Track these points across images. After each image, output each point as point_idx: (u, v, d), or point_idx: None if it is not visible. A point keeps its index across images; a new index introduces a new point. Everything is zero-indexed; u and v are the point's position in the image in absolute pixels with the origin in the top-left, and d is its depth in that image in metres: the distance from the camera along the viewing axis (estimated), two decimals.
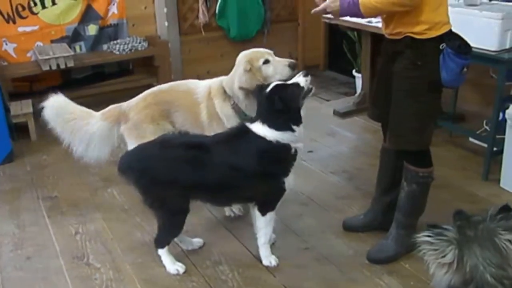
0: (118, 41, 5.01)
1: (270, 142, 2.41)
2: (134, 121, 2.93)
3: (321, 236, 2.93)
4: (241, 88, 2.74)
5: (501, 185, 3.34)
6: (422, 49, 2.29)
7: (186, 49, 5.45)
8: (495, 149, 3.45)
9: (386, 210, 2.82)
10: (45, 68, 4.45)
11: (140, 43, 4.99)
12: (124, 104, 3.03)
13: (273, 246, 2.82)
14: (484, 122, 3.91)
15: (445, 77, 2.31)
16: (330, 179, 3.59)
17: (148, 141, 2.60)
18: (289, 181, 2.54)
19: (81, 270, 2.72)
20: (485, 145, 3.55)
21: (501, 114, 3.44)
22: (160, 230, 2.62)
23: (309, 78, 2.47)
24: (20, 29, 4.67)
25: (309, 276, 2.61)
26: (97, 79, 5.14)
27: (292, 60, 2.79)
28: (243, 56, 2.82)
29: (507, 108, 3.26)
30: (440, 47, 2.29)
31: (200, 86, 2.96)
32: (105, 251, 2.86)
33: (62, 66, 4.49)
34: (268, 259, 2.67)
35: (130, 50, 4.91)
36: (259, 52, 2.80)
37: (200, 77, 5.50)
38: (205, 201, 2.68)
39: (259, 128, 2.43)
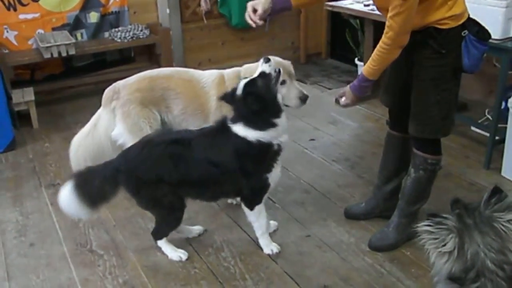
0: (120, 28, 4.99)
1: (250, 142, 2.39)
2: (124, 100, 2.95)
3: (322, 223, 2.94)
4: None
5: (503, 173, 3.35)
6: (446, 38, 2.29)
7: (188, 36, 5.43)
8: (497, 138, 3.45)
9: (388, 198, 2.83)
10: (47, 55, 4.44)
11: (141, 30, 4.97)
12: (120, 83, 3.05)
13: (274, 233, 2.83)
14: (486, 111, 3.91)
15: (467, 63, 2.32)
16: (332, 167, 3.60)
17: (133, 144, 2.62)
18: (273, 175, 2.52)
19: (84, 256, 2.74)
20: (487, 134, 3.55)
21: (503, 103, 3.43)
22: (157, 225, 2.67)
23: (271, 62, 2.45)
24: (21, 16, 4.64)
25: (310, 263, 2.63)
26: (99, 67, 5.13)
27: (306, 94, 2.71)
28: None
29: (510, 97, 3.25)
30: (462, 34, 2.29)
31: (206, 76, 2.95)
32: (108, 238, 2.88)
33: (64, 54, 4.48)
34: (269, 247, 2.69)
35: (132, 37, 4.90)
36: (284, 68, 2.65)
37: (201, 65, 5.59)
38: (194, 197, 2.65)
39: (240, 129, 2.41)
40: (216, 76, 2.93)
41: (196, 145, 2.44)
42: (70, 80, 4.97)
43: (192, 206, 3.12)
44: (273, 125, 2.40)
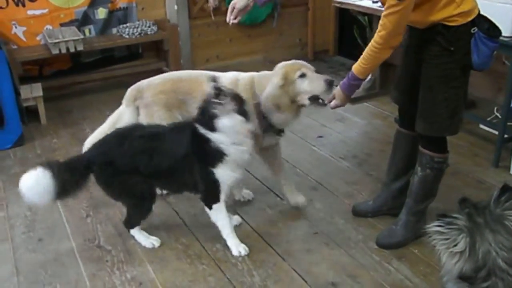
0: (128, 24, 4.99)
1: (204, 138, 2.49)
2: (148, 101, 2.94)
3: (330, 221, 2.94)
4: (266, 99, 2.67)
5: (511, 172, 3.33)
6: (455, 35, 2.27)
7: (196, 33, 5.43)
8: (505, 136, 3.43)
9: (396, 196, 2.83)
10: (55, 51, 4.46)
11: (149, 27, 4.98)
12: (144, 82, 3.03)
13: (281, 230, 2.83)
14: (495, 108, 3.88)
15: (476, 61, 2.30)
16: (339, 164, 3.59)
17: (105, 135, 2.72)
18: (222, 174, 2.55)
19: (92, 252, 2.75)
20: (496, 132, 3.53)
21: None
22: (129, 214, 2.76)
23: (214, 84, 2.53)
24: (30, 12, 4.66)
25: (318, 260, 2.63)
26: (107, 63, 5.14)
27: (329, 77, 2.65)
28: (280, 67, 2.71)
29: None
30: (472, 31, 2.27)
31: (224, 78, 2.86)
32: (116, 234, 2.89)
33: (72, 50, 4.50)
34: (237, 248, 2.67)
35: (140, 34, 4.90)
36: (297, 64, 2.69)
37: (209, 61, 5.59)
38: (162, 188, 2.85)
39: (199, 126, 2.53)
40: (233, 80, 2.85)
41: (166, 138, 2.57)
42: (78, 76, 4.98)
43: (200, 203, 3.13)
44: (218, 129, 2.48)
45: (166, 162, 2.55)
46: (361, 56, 2.37)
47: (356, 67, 2.40)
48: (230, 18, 2.69)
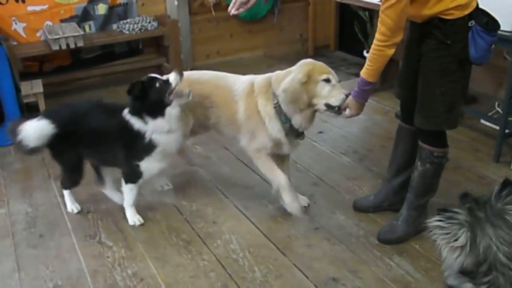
0: (128, 20, 4.98)
1: (131, 128, 2.68)
2: None
3: (331, 216, 2.94)
4: (284, 92, 2.60)
5: None
6: (451, 28, 2.26)
7: (196, 28, 5.42)
8: (507, 131, 3.42)
9: (397, 191, 2.82)
10: (55, 47, 4.45)
11: (149, 22, 4.97)
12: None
13: (282, 225, 2.83)
14: (496, 104, 3.88)
15: (473, 54, 2.28)
16: (340, 160, 3.59)
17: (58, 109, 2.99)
18: (147, 167, 2.75)
19: (93, 248, 2.75)
20: (497, 127, 3.52)
21: None
22: (62, 176, 3.05)
23: (180, 77, 2.66)
24: (30, 8, 4.65)
25: (319, 255, 2.63)
26: (107, 59, 5.13)
27: (349, 92, 2.55)
28: (306, 64, 2.64)
29: None
30: (469, 24, 2.25)
31: (239, 82, 2.81)
32: (116, 230, 2.89)
33: (72, 46, 4.49)
34: (133, 218, 2.92)
35: (140, 29, 4.89)
36: (325, 68, 2.63)
37: (210, 57, 5.59)
38: (91, 159, 3.00)
39: (128, 114, 2.71)
40: (248, 84, 2.78)
41: (98, 117, 2.79)
42: (78, 72, 4.98)
43: (202, 199, 3.14)
44: (142, 118, 2.67)
45: (94, 140, 2.79)
46: (367, 59, 2.35)
47: (363, 71, 2.37)
48: (231, 8, 2.69)
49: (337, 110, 2.59)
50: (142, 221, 2.91)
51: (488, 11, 2.30)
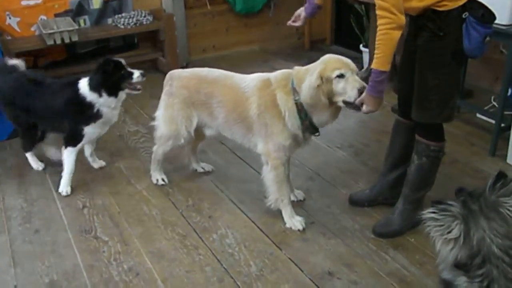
0: (123, 14, 4.96)
1: (80, 94, 3.07)
2: (172, 90, 2.97)
3: (327, 210, 2.94)
4: (305, 98, 2.52)
5: (508, 161, 3.33)
6: (445, 20, 2.24)
7: (192, 23, 5.40)
8: (502, 125, 3.43)
9: (393, 186, 2.83)
10: (49, 42, 4.42)
11: (145, 16, 4.94)
12: (176, 72, 3.06)
13: (277, 219, 2.83)
14: (492, 98, 3.88)
15: (467, 47, 2.26)
16: (336, 154, 3.59)
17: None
18: (90, 131, 3.13)
19: (89, 243, 2.74)
20: (493, 121, 3.52)
21: (509, 90, 3.41)
22: (20, 138, 3.50)
23: (142, 78, 3.11)
24: (24, 2, 4.61)
25: (315, 250, 2.63)
26: (102, 54, 5.08)
27: (365, 85, 2.42)
28: (319, 63, 2.53)
29: None
30: (463, 16, 2.24)
31: (248, 80, 2.74)
32: (112, 225, 2.88)
33: (67, 41, 4.46)
34: (65, 188, 3.18)
35: (135, 24, 4.87)
36: (338, 63, 2.49)
37: (206, 51, 5.57)
38: (39, 124, 3.32)
39: (83, 85, 3.10)
40: (260, 80, 2.70)
41: (50, 89, 3.18)
42: (73, 67, 4.94)
43: (197, 193, 3.14)
44: (99, 93, 3.06)
45: (42, 108, 3.15)
46: (375, 48, 2.26)
47: (375, 62, 2.27)
48: (290, 21, 3.03)
49: (355, 106, 2.45)
50: (69, 192, 3.17)
51: (485, 3, 2.29)
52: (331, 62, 2.50)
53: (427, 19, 2.28)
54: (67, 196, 3.15)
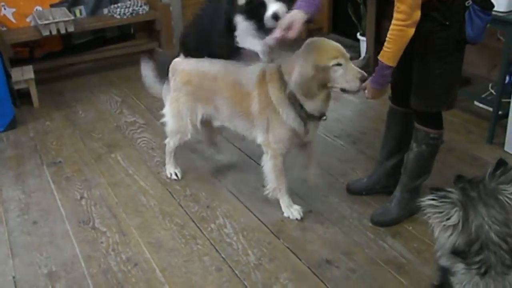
0: (119, 4, 4.92)
1: None
2: (177, 84, 2.94)
3: (324, 199, 2.94)
4: (295, 85, 2.46)
5: (506, 148, 3.33)
6: (450, 9, 2.23)
7: (188, 12, 5.35)
8: (500, 112, 3.42)
9: (390, 174, 2.83)
10: (45, 33, 4.39)
11: (141, 6, 4.91)
12: (179, 63, 3.00)
13: (277, 208, 2.83)
14: (490, 85, 3.87)
15: (470, 34, 2.26)
16: (334, 143, 3.59)
17: None
18: None
19: (87, 234, 2.75)
20: (490, 109, 3.52)
21: (507, 77, 3.40)
22: None
23: None
24: None
25: (313, 238, 2.63)
26: (98, 44, 5.08)
27: (364, 73, 2.41)
28: (310, 51, 2.43)
29: None
30: (466, 4, 2.23)
31: (249, 74, 2.69)
32: (110, 215, 2.88)
33: (62, 31, 4.43)
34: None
35: (131, 14, 4.84)
36: (334, 50, 2.41)
37: None
38: None
39: None
40: (257, 74, 2.65)
41: None
42: (70, 57, 4.92)
43: (195, 183, 3.14)
44: None
45: None
46: (385, 42, 2.23)
47: (382, 54, 2.24)
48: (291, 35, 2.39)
49: (364, 80, 2.40)
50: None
51: None
52: (324, 50, 2.43)
53: (431, 9, 2.26)
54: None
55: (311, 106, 2.53)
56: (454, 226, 1.49)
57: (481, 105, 3.84)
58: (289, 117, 2.57)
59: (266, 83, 2.61)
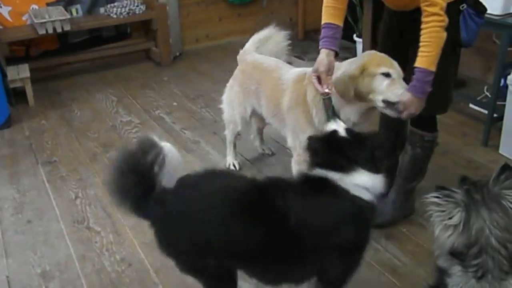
0: (115, 4, 4.91)
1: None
2: (236, 71, 2.99)
3: None
4: (336, 80, 2.35)
5: (500, 151, 3.34)
6: (446, 13, 2.23)
7: (185, 12, 5.36)
8: (495, 115, 3.43)
9: (384, 176, 2.82)
10: (41, 31, 4.38)
11: (137, 6, 4.90)
12: (251, 53, 3.02)
13: None
14: (485, 88, 3.88)
15: (465, 38, 2.28)
16: None
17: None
18: None
19: (81, 233, 2.74)
20: (486, 111, 3.53)
21: (502, 80, 3.41)
22: None
23: None
24: None
25: None
26: (95, 43, 5.07)
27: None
28: (364, 55, 2.41)
29: (509, 74, 3.23)
30: (460, 8, 2.24)
31: (290, 72, 2.66)
32: (105, 215, 2.88)
33: (59, 30, 4.43)
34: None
35: (128, 13, 4.83)
36: (386, 60, 2.31)
37: (199, 41, 5.53)
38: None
39: None
40: (297, 74, 2.61)
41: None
42: (66, 56, 4.91)
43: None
44: None
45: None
46: (422, 47, 2.15)
47: (422, 61, 2.14)
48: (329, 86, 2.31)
49: (395, 107, 2.28)
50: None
51: None
52: (378, 58, 2.34)
53: None
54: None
55: (345, 113, 2.41)
56: (455, 226, 1.49)
57: (476, 107, 3.85)
58: (320, 121, 2.45)
59: (303, 84, 2.52)
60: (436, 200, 1.52)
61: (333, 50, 2.32)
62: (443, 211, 1.50)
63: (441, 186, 1.54)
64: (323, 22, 2.39)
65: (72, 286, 2.39)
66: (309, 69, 2.50)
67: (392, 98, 2.26)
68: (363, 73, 2.29)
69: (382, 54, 2.37)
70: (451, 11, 2.24)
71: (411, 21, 2.34)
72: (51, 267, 2.51)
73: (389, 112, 2.32)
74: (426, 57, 2.13)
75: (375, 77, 2.28)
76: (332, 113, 2.39)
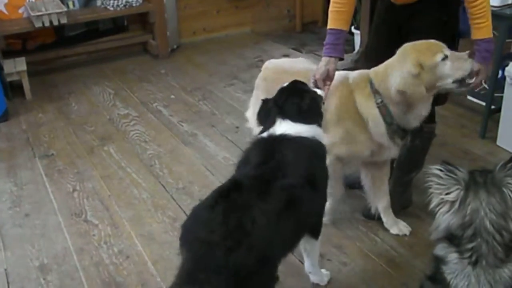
0: None
1: None
2: (258, 79, 2.74)
3: None
4: (399, 91, 2.19)
5: (498, 143, 3.34)
6: (447, 5, 2.24)
7: (182, 5, 5.34)
8: (493, 107, 3.43)
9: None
10: (38, 25, 4.36)
11: None
12: (268, 61, 2.83)
13: None
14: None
15: (463, 29, 2.30)
16: None
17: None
18: None
19: (79, 226, 2.74)
20: (483, 103, 3.53)
21: (500, 72, 3.40)
22: None
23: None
24: None
25: None
26: (91, 36, 5.04)
27: (467, 54, 2.20)
28: (410, 51, 2.20)
29: (507, 65, 3.23)
30: None
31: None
32: (102, 208, 2.88)
33: (55, 23, 4.40)
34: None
35: (125, 6, 4.81)
36: (435, 45, 2.18)
37: (196, 34, 5.51)
38: None
39: None
40: (337, 79, 2.38)
41: None
42: (63, 49, 4.89)
43: (188, 176, 3.14)
44: None
45: None
46: (477, 19, 2.19)
47: (484, 31, 2.20)
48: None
49: (467, 82, 2.23)
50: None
51: None
52: (425, 47, 2.20)
53: (430, 5, 2.26)
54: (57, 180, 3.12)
55: (407, 120, 2.30)
56: (451, 203, 1.50)
57: (474, 99, 3.85)
58: (378, 132, 2.32)
59: (349, 90, 2.36)
60: (438, 172, 1.53)
61: (334, 57, 2.31)
62: (443, 185, 1.52)
63: (447, 161, 1.55)
64: (327, 27, 2.38)
65: (70, 279, 2.40)
66: (352, 73, 2.41)
67: (463, 74, 2.20)
68: (423, 68, 2.16)
69: (417, 42, 2.23)
70: (452, 2, 2.25)
71: (414, 12, 2.34)
72: (49, 260, 2.51)
73: (462, 88, 2.28)
74: (486, 27, 2.21)
75: (437, 66, 2.17)
76: (390, 120, 2.28)
